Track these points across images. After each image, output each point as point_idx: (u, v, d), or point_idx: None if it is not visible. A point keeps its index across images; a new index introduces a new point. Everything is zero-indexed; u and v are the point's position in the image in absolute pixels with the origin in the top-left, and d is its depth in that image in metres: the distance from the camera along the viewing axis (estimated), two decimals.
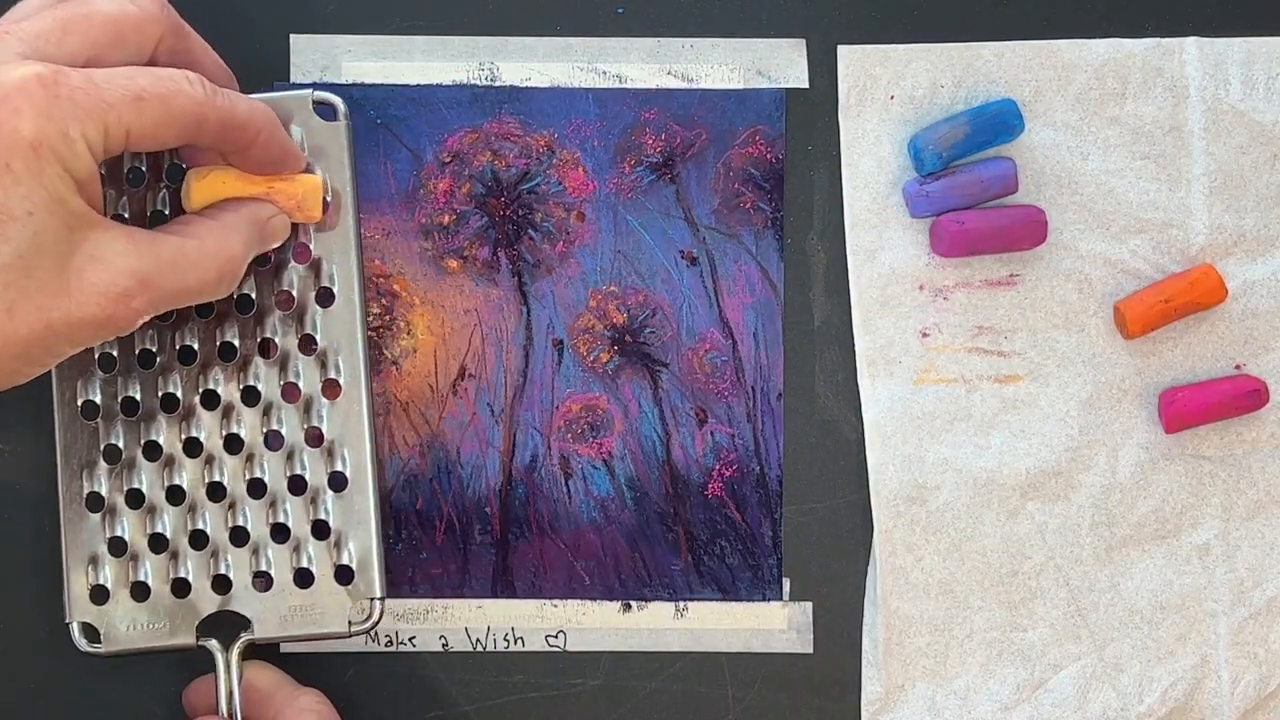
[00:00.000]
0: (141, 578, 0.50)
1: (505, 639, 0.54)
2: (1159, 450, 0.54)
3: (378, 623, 0.50)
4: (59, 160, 0.40)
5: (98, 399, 0.50)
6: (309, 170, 0.49)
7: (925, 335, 0.54)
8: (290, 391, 0.51)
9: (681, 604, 0.54)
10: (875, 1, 0.54)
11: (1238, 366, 0.54)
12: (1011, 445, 0.53)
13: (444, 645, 0.53)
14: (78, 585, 0.50)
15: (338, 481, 0.50)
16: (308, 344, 0.51)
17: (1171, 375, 0.54)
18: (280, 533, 0.50)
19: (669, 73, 0.54)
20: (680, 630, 0.54)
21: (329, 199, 0.50)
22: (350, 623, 0.50)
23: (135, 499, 0.50)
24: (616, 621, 0.54)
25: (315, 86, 0.50)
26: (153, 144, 0.43)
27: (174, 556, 0.50)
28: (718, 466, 0.54)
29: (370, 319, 0.53)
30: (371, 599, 0.50)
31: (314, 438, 0.50)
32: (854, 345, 0.54)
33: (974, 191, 0.52)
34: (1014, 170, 0.53)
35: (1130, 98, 0.54)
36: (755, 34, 0.54)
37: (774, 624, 0.54)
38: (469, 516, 0.53)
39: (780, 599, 0.54)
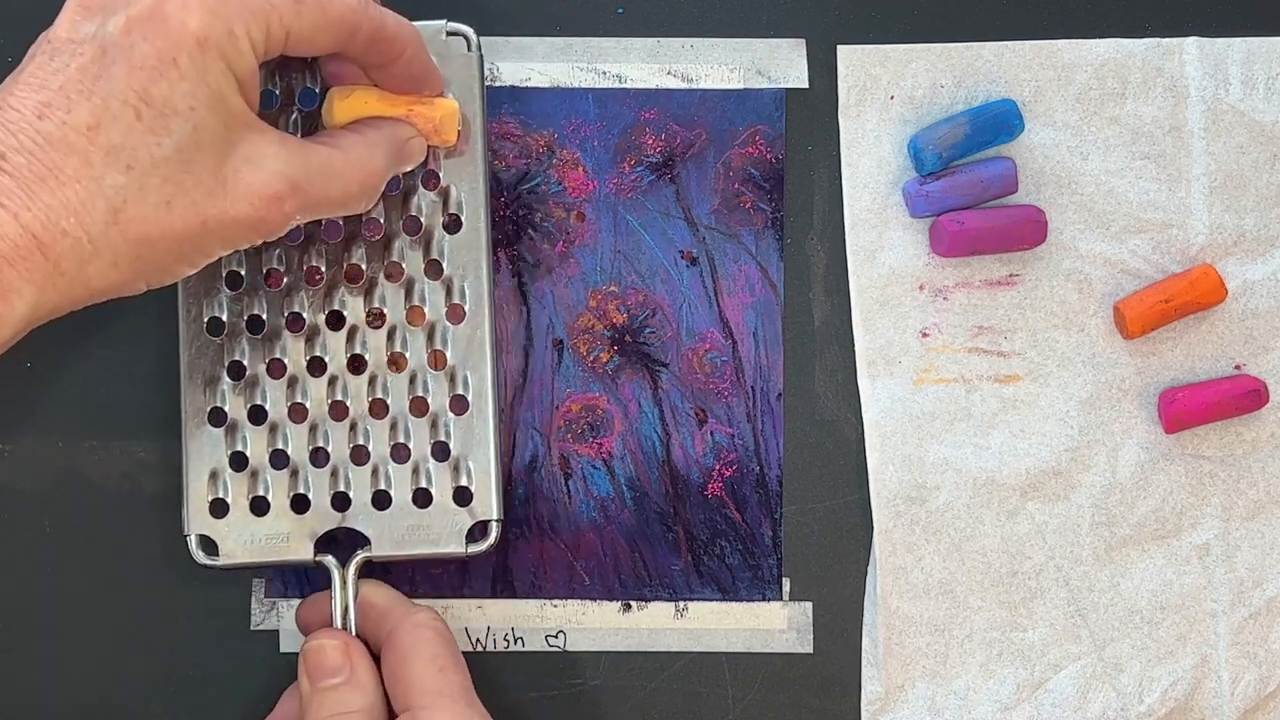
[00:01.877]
0: (261, 493, 0.50)
1: (505, 639, 0.54)
2: (1159, 450, 0.54)
3: (495, 544, 0.50)
4: (223, 57, 0.41)
5: (224, 316, 0.51)
6: (445, 95, 0.50)
7: (925, 335, 0.54)
8: (415, 314, 0.51)
9: (681, 604, 0.54)
10: (875, 1, 0.54)
11: (1238, 366, 0.54)
12: (1011, 445, 0.54)
13: None
14: (197, 498, 0.50)
15: (459, 404, 0.51)
16: (434, 269, 0.51)
17: (1171, 375, 0.54)
18: (400, 453, 0.51)
19: (669, 73, 0.54)
20: (680, 630, 0.54)
21: (461, 126, 0.50)
22: (467, 542, 0.50)
23: (258, 415, 0.51)
24: (616, 621, 0.54)
25: (449, 18, 0.51)
26: (308, 48, 0.44)
27: (294, 473, 0.51)
28: (718, 466, 0.54)
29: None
30: (489, 520, 0.50)
31: (438, 361, 0.51)
32: (854, 345, 0.54)
33: (974, 191, 0.52)
34: (1014, 170, 0.53)
35: (1130, 98, 0.54)
36: (755, 34, 0.54)
37: (774, 624, 0.54)
38: None
39: (780, 599, 0.54)
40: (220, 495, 0.50)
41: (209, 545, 0.50)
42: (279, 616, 0.53)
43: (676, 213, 0.54)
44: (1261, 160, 0.54)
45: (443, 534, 0.50)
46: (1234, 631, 0.54)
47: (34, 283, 0.40)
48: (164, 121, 0.41)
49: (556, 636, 0.54)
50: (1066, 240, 0.54)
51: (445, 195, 0.51)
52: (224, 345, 0.51)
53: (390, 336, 0.51)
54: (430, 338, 0.51)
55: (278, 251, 0.51)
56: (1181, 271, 0.53)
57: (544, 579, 0.54)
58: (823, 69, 0.54)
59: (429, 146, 0.50)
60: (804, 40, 0.54)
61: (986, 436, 0.54)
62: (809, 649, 0.54)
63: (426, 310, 0.51)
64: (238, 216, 0.42)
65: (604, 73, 0.54)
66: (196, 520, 0.50)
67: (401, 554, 0.50)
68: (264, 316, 0.51)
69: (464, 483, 0.51)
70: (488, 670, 0.53)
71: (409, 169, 0.49)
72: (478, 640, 0.54)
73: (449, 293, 0.51)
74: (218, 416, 0.51)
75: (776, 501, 0.54)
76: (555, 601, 0.54)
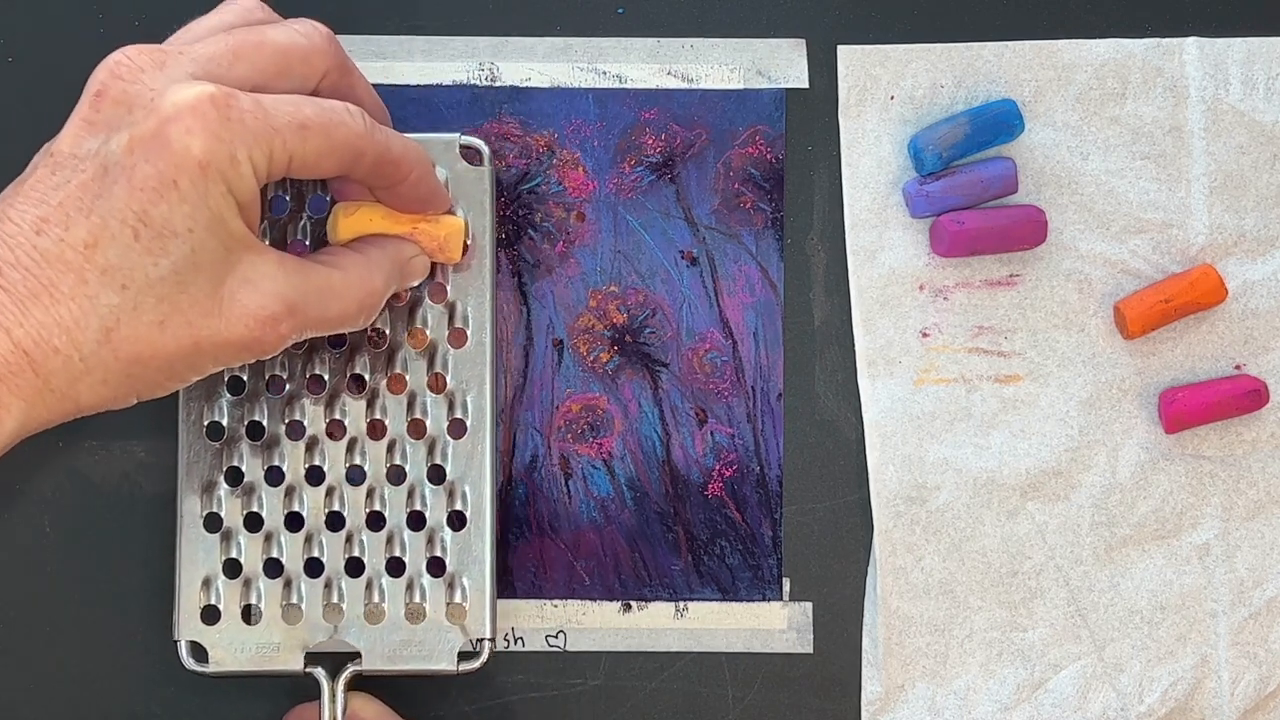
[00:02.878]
0: (253, 601, 0.50)
1: (505, 639, 0.54)
2: (1159, 450, 0.54)
3: (486, 663, 0.50)
4: (224, 181, 0.41)
5: (224, 421, 0.50)
6: (452, 212, 0.49)
7: (925, 335, 0.54)
8: (416, 428, 0.51)
9: (681, 604, 0.54)
10: (875, 1, 0.54)
11: (1238, 366, 0.54)
12: (1011, 445, 0.53)
13: None
14: (189, 604, 0.50)
15: (456, 520, 0.51)
16: (437, 382, 0.51)
17: (1171, 375, 0.54)
18: (396, 567, 0.51)
19: (669, 73, 0.54)
20: (680, 630, 0.54)
21: (469, 242, 0.50)
22: (459, 660, 0.50)
23: (254, 523, 0.51)
24: (616, 621, 0.54)
25: (463, 132, 0.51)
26: (313, 172, 0.43)
27: (288, 583, 0.50)
28: (718, 466, 0.54)
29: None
30: (481, 639, 0.50)
31: (436, 473, 0.51)
32: (854, 345, 0.54)
33: (974, 191, 0.52)
34: (1014, 170, 0.53)
35: (1130, 98, 0.54)
36: (755, 34, 0.54)
37: (774, 624, 0.54)
38: None
39: (780, 599, 0.54)
40: (212, 602, 0.50)
41: (199, 651, 0.50)
42: None
43: (676, 213, 0.54)
44: (1261, 160, 0.54)
45: (435, 651, 0.50)
46: (1234, 631, 0.54)
47: (23, 399, 0.40)
48: (162, 243, 0.40)
49: (556, 636, 0.54)
50: (1066, 240, 0.54)
51: (451, 309, 0.51)
52: (223, 450, 0.50)
53: (390, 448, 0.51)
54: (431, 451, 0.51)
55: (281, 359, 0.51)
56: (1181, 271, 0.53)
57: (544, 579, 0.54)
58: (823, 69, 0.54)
59: (433, 264, 0.50)
60: (804, 40, 0.54)
61: (986, 436, 0.54)
62: (809, 649, 0.54)
63: (428, 423, 0.51)
64: (232, 337, 0.42)
65: (604, 73, 0.54)
66: (187, 626, 0.50)
67: (392, 669, 0.50)
68: (264, 423, 0.51)
69: (458, 599, 0.50)
70: (488, 670, 0.53)
71: (412, 286, 0.49)
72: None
73: (451, 407, 0.51)
74: (213, 522, 0.50)
75: (776, 501, 0.54)
76: (555, 601, 0.54)
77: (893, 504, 0.53)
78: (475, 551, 0.50)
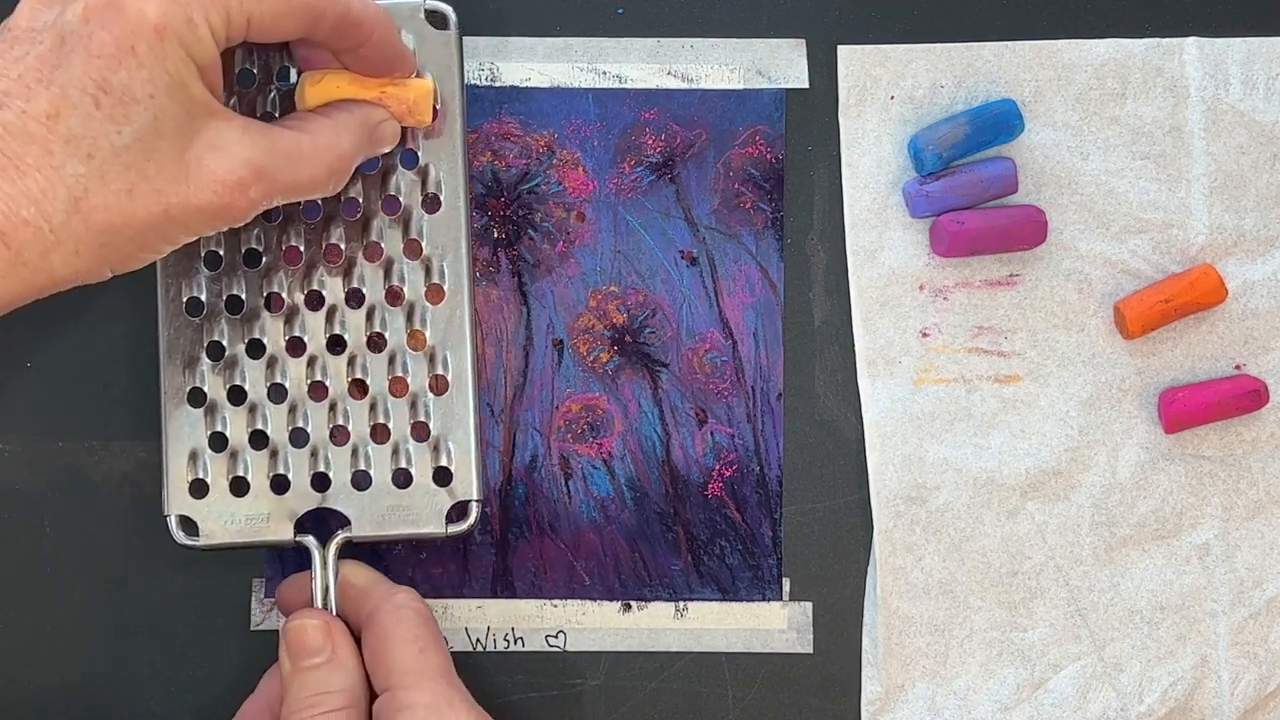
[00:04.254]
0: (241, 473, 0.50)
1: (505, 639, 0.54)
2: (1159, 450, 0.54)
3: (475, 524, 0.51)
4: (182, 44, 0.41)
5: (203, 296, 0.51)
6: (420, 75, 0.49)
7: (925, 335, 0.54)
8: (394, 295, 0.51)
9: (681, 604, 0.54)
10: (875, 1, 0.54)
11: (1238, 366, 0.54)
12: (1011, 445, 0.53)
13: None
14: (177, 479, 0.50)
15: (438, 385, 0.51)
16: (413, 248, 0.51)
17: (1171, 375, 0.54)
18: (380, 433, 0.51)
19: (669, 73, 0.54)
20: (680, 630, 0.54)
21: (439, 106, 0.50)
22: (447, 523, 0.50)
23: (237, 395, 0.51)
24: (616, 621, 0.54)
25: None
26: (272, 34, 0.44)
27: (274, 454, 0.51)
28: (718, 466, 0.54)
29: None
30: (469, 500, 0.50)
31: (417, 341, 0.51)
32: (854, 345, 0.54)
33: (974, 191, 0.52)
34: (1014, 170, 0.53)
35: (1130, 98, 0.54)
36: (755, 34, 0.54)
37: (774, 624, 0.54)
38: None
39: (780, 599, 0.54)
40: (200, 476, 0.50)
41: (189, 525, 0.50)
42: (279, 616, 0.53)
43: (676, 213, 0.54)
44: (1261, 160, 0.54)
45: (423, 514, 0.51)
46: (1234, 631, 0.54)
47: None
48: (124, 109, 0.41)
49: (556, 636, 0.54)
50: (1066, 240, 0.54)
51: (424, 174, 0.51)
52: (203, 325, 0.51)
53: (369, 316, 0.51)
54: (410, 318, 0.51)
55: (256, 231, 0.51)
56: (1181, 271, 0.53)
57: (544, 579, 0.54)
58: (823, 69, 0.54)
59: (407, 128, 0.50)
60: (804, 40, 0.54)
61: (986, 436, 0.54)
62: (809, 649, 0.54)
63: (405, 290, 0.51)
64: (201, 203, 0.42)
65: (604, 73, 0.54)
66: (176, 500, 0.50)
67: (382, 534, 0.51)
68: (243, 296, 0.51)
69: (444, 463, 0.51)
70: (488, 670, 0.53)
71: (384, 152, 0.49)
72: (478, 640, 0.54)
73: (428, 272, 0.51)
74: (197, 397, 0.51)
75: (776, 501, 0.54)
76: (555, 601, 0.54)
77: (893, 504, 0.53)
78: (459, 414, 0.51)
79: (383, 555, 0.53)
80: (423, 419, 0.51)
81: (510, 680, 0.54)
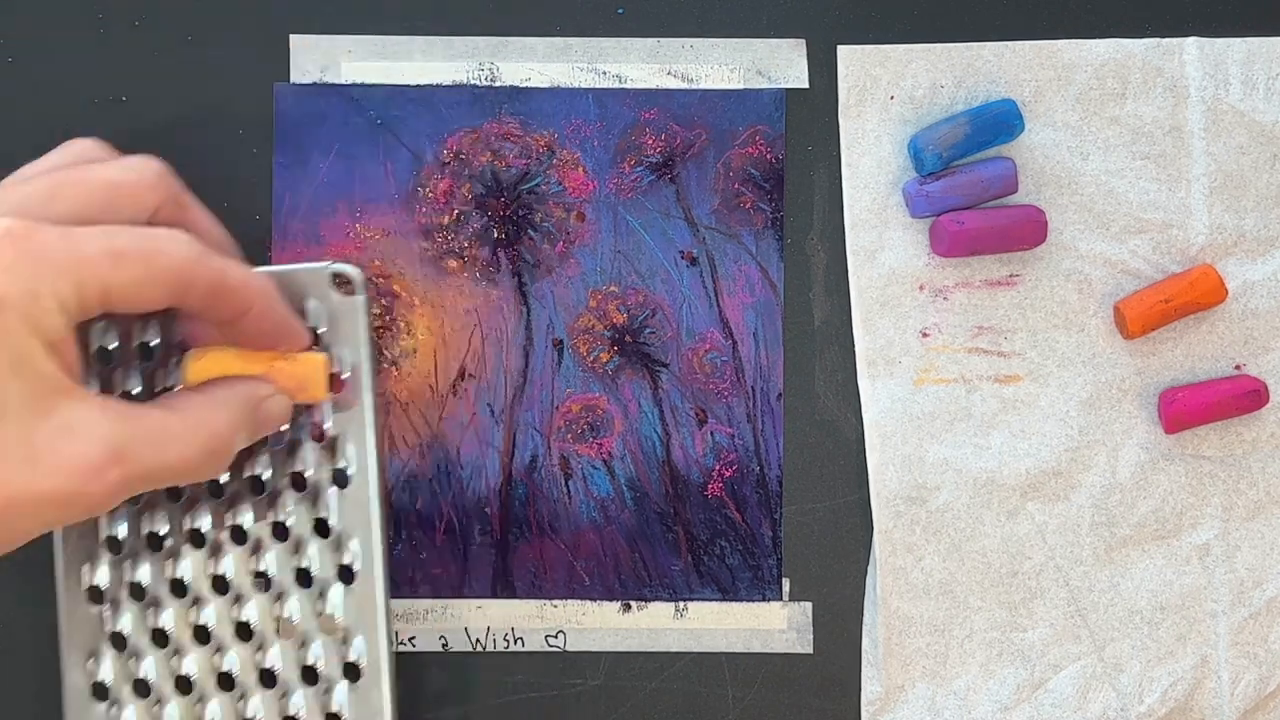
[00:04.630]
0: None
1: (505, 639, 0.54)
2: (1159, 450, 0.54)
3: None
4: (26, 320, 0.38)
5: (103, 584, 0.49)
6: (314, 348, 0.48)
7: (925, 335, 0.54)
8: (303, 577, 0.50)
9: (681, 604, 0.54)
10: (875, 1, 0.54)
11: (1238, 367, 0.54)
12: (1011, 445, 0.54)
13: (444, 645, 0.53)
14: None
15: (351, 671, 0.50)
16: (322, 527, 0.50)
17: (1171, 375, 0.54)
18: None
19: (669, 73, 0.54)
20: (680, 630, 0.54)
21: (345, 376, 0.49)
22: None
23: (141, 689, 0.50)
24: (616, 621, 0.54)
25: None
26: (135, 304, 0.41)
27: None
28: (718, 466, 0.54)
29: (374, 318, 0.53)
30: None
31: (328, 626, 0.50)
32: (854, 345, 0.54)
33: (974, 191, 0.52)
34: (1014, 170, 0.53)
35: (1130, 98, 0.54)
36: (755, 34, 0.54)
37: (774, 624, 0.54)
38: (469, 517, 0.53)
39: (780, 599, 0.54)
40: None
41: None
42: None
43: (676, 213, 0.54)
44: (1261, 160, 0.54)
45: None
46: (1234, 631, 0.54)
47: None
48: None
49: (556, 636, 0.54)
50: (1066, 240, 0.54)
51: (332, 448, 0.49)
52: (101, 614, 0.49)
53: (278, 599, 0.50)
54: (320, 599, 0.49)
55: (161, 513, 0.49)
56: (1182, 271, 0.53)
57: (544, 579, 0.54)
58: (823, 69, 0.54)
59: (311, 404, 0.48)
60: (804, 40, 0.54)
61: (986, 436, 0.54)
62: (809, 649, 0.54)
63: (314, 571, 0.49)
64: (50, 491, 0.39)
65: (604, 73, 0.54)
66: None
67: None
68: (145, 583, 0.49)
69: None
70: (488, 670, 0.53)
71: (272, 430, 0.47)
72: (478, 640, 0.54)
73: (338, 551, 0.49)
74: (100, 690, 0.49)
75: (776, 501, 0.54)
76: (555, 601, 0.54)
77: (893, 504, 0.53)
78: (373, 704, 0.49)
79: None
80: (335, 710, 0.49)
81: (510, 680, 0.54)
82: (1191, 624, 0.54)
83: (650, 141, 0.54)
